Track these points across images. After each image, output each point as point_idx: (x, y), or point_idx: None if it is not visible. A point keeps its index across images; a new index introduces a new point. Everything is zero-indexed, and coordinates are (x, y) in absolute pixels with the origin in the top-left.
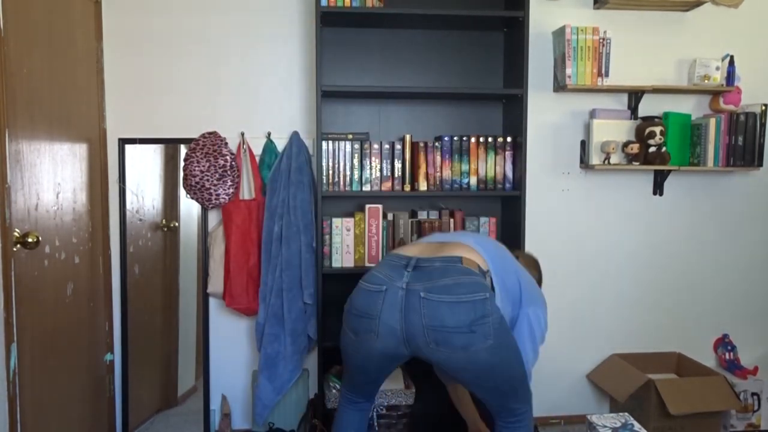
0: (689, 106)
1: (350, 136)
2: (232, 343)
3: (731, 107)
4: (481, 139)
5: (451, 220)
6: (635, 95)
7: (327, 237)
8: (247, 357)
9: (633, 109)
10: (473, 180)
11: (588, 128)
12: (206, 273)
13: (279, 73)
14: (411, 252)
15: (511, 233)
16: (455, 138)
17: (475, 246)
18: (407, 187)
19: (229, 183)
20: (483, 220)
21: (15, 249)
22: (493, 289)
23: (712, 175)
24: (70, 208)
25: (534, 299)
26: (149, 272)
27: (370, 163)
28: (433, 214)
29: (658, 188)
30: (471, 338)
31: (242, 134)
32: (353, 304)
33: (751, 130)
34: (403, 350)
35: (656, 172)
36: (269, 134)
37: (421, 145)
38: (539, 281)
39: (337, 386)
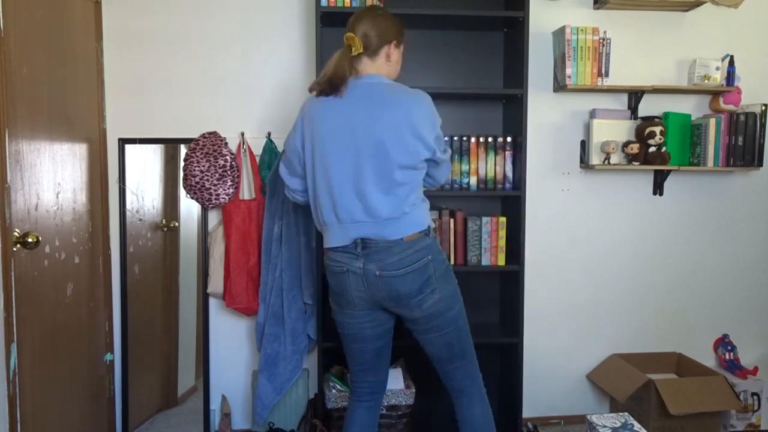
0: (689, 106)
1: None
2: (232, 343)
3: (731, 107)
4: (481, 139)
5: (452, 220)
6: (635, 95)
7: None
8: (247, 357)
9: (633, 109)
10: (473, 180)
11: (588, 128)
12: (206, 273)
13: (279, 73)
14: (351, 231)
15: (511, 233)
16: (455, 138)
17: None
18: None
19: (229, 183)
20: (485, 219)
21: (15, 249)
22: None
23: (712, 175)
24: (70, 208)
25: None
26: (149, 272)
27: None
28: (433, 214)
29: (658, 188)
30: (422, 299)
31: (242, 134)
32: (329, 284)
33: (751, 130)
34: (379, 311)
35: (656, 172)
36: (269, 134)
37: None
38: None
39: (338, 386)
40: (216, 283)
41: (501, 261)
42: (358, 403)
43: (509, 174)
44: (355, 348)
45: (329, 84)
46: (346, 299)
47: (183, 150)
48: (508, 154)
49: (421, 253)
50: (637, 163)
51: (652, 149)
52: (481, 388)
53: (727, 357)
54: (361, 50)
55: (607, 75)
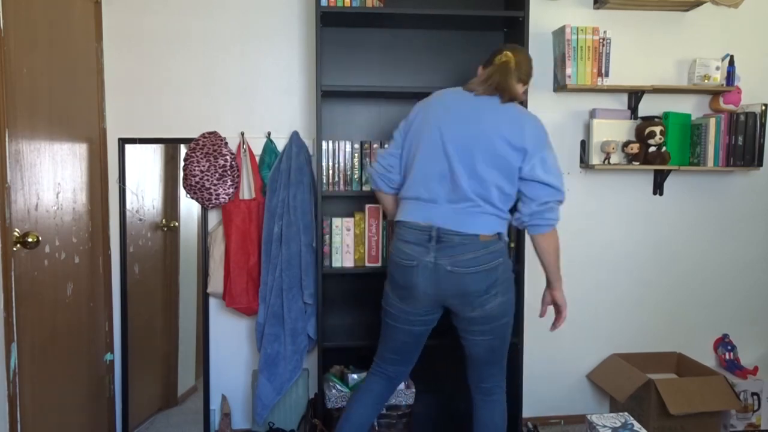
0: (689, 106)
1: None
2: (232, 342)
3: (731, 107)
4: None
5: None
6: (635, 95)
7: (327, 237)
8: (247, 357)
9: (633, 109)
10: None
11: (588, 128)
12: (206, 273)
13: (279, 73)
14: (429, 219)
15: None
16: None
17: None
18: None
19: (229, 183)
20: None
21: (15, 249)
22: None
23: (712, 175)
24: (70, 207)
25: (536, 145)
26: (149, 272)
27: (370, 163)
28: None
29: (658, 188)
30: (487, 299)
31: (242, 134)
32: (393, 277)
33: (751, 130)
34: (437, 308)
35: (656, 172)
36: (269, 134)
37: None
38: (525, 78)
39: (338, 386)
40: (216, 283)
41: None
42: (371, 386)
43: None
44: (396, 342)
45: (497, 88)
46: (411, 294)
47: (183, 150)
48: None
49: (494, 255)
50: (637, 163)
51: (652, 149)
52: (504, 396)
53: (727, 357)
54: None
55: (607, 75)
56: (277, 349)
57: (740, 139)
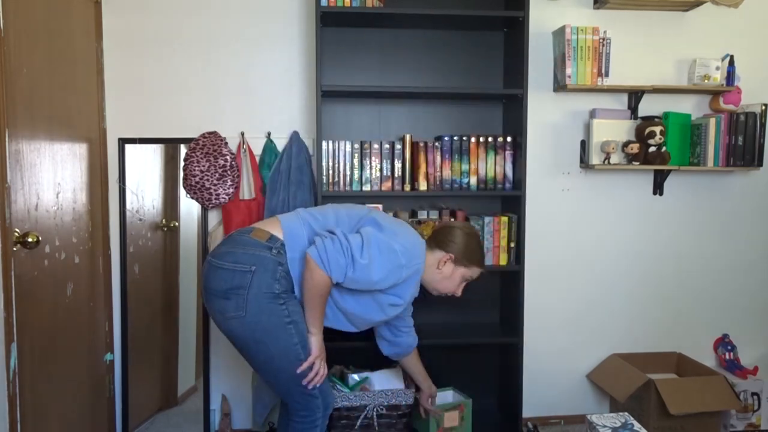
0: (689, 106)
1: None
2: None
3: (731, 107)
4: (481, 139)
5: (452, 219)
6: (635, 95)
7: None
8: None
9: (633, 109)
10: (473, 180)
11: (588, 128)
12: None
13: (279, 73)
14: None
15: (511, 233)
16: (455, 138)
17: (290, 219)
18: (407, 187)
19: (229, 183)
20: (488, 219)
21: (15, 249)
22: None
23: (712, 174)
24: (70, 207)
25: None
26: (149, 272)
27: (370, 162)
28: (434, 214)
29: (658, 188)
30: (225, 304)
31: (242, 134)
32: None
33: (751, 129)
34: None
35: (656, 172)
36: (269, 134)
37: (421, 145)
38: (441, 244)
39: (338, 386)
40: None
41: (503, 261)
42: None
43: (509, 174)
44: None
45: None
46: None
47: (183, 150)
48: (508, 153)
49: (252, 258)
50: (637, 163)
51: (652, 149)
52: None
53: (727, 357)
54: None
55: (607, 75)
56: None
57: (740, 139)
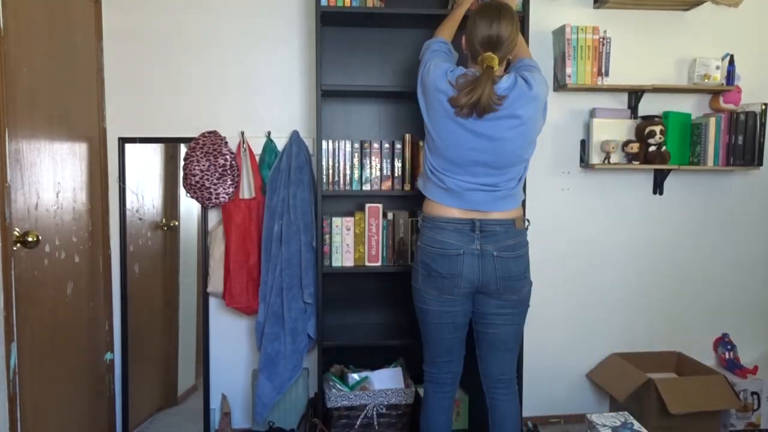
0: (689, 106)
1: None
2: (232, 342)
3: (731, 106)
4: None
5: None
6: (635, 94)
7: (327, 236)
8: (247, 356)
9: (633, 108)
10: None
11: (588, 127)
12: (206, 272)
13: (279, 73)
14: (468, 214)
15: None
16: None
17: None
18: (407, 187)
19: (229, 182)
20: None
21: (15, 248)
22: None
23: (712, 174)
24: (70, 207)
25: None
26: (149, 271)
27: (370, 162)
28: None
29: (658, 187)
30: (524, 282)
31: (242, 133)
32: (435, 268)
33: (751, 129)
34: (470, 298)
35: (656, 172)
36: (269, 133)
37: (421, 144)
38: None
39: (338, 385)
40: (216, 283)
41: None
42: (443, 394)
43: None
44: (449, 339)
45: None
46: (453, 283)
47: (183, 149)
48: None
49: (525, 241)
50: (637, 163)
51: (652, 148)
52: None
53: (727, 356)
54: None
55: (607, 74)
56: (277, 348)
57: (740, 138)
